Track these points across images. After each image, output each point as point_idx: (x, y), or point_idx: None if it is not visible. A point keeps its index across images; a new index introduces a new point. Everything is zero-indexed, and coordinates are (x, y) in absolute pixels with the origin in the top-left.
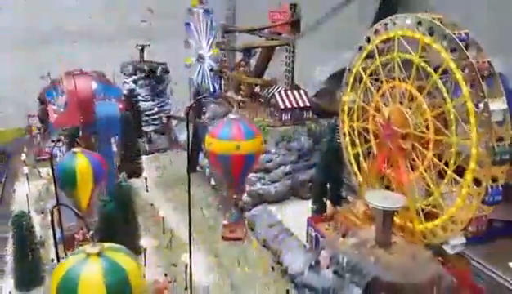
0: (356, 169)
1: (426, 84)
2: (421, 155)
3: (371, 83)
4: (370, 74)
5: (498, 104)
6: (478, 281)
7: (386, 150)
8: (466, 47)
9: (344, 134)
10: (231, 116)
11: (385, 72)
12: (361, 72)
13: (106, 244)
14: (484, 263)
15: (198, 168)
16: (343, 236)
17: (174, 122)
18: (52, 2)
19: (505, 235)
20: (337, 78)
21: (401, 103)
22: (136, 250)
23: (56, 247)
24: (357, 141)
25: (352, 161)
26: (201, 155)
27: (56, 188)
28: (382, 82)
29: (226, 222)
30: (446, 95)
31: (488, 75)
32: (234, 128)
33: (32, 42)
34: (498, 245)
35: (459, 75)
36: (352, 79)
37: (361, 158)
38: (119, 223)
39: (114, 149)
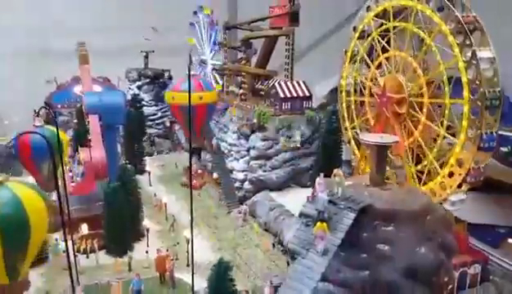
0: (354, 146)
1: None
2: (416, 120)
3: (368, 56)
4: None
5: (486, 53)
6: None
7: (383, 119)
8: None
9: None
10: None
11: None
12: (358, 44)
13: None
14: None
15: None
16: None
17: (177, 126)
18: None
19: None
20: (337, 93)
21: (396, 71)
22: (139, 229)
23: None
24: (356, 121)
25: (351, 137)
26: (203, 153)
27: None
28: (378, 54)
29: (199, 171)
30: (438, 58)
31: (474, 28)
32: (195, 82)
33: (35, 49)
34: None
35: (444, 27)
36: (355, 38)
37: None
38: (122, 201)
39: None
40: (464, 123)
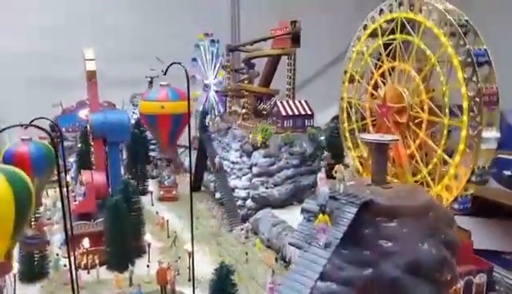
0: (350, 144)
1: (424, 67)
2: (414, 135)
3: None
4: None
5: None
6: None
7: (384, 129)
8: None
9: (342, 110)
10: (161, 83)
11: (386, 53)
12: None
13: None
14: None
15: (202, 188)
16: None
17: (180, 150)
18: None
19: None
20: (338, 120)
21: (397, 82)
22: (141, 245)
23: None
24: (354, 118)
25: (347, 135)
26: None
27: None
28: (383, 61)
29: (165, 184)
30: (442, 78)
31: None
32: (161, 92)
33: (40, 74)
34: None
35: (456, 61)
36: (355, 56)
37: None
38: (124, 215)
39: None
40: (461, 147)
